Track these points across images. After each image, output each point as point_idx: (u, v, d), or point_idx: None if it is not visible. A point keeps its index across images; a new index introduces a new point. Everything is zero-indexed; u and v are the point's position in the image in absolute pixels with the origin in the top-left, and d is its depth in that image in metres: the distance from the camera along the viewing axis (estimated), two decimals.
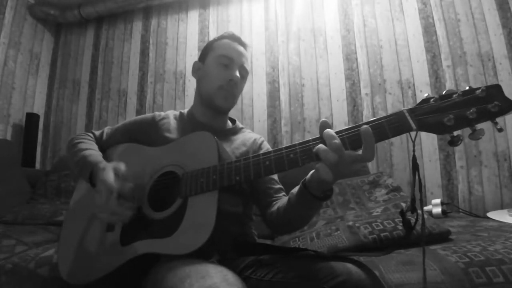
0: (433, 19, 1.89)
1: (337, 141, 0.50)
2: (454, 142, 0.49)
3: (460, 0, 1.86)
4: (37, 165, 2.42)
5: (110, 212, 0.64)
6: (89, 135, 0.90)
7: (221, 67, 0.87)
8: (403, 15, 1.95)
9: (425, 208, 1.48)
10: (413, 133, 0.50)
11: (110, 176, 0.67)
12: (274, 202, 0.80)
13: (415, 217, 0.51)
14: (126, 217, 0.65)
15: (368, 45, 1.98)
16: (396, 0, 1.98)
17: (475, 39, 1.80)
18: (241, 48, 0.91)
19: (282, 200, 0.78)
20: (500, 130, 0.47)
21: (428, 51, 1.87)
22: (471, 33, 1.81)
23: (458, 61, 1.80)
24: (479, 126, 0.48)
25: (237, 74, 0.87)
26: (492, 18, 1.78)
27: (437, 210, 1.42)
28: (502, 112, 0.46)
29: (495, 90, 0.48)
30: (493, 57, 1.75)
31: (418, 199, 0.54)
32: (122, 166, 0.71)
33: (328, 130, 0.52)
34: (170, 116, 0.93)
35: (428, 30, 1.89)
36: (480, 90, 0.48)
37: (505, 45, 1.74)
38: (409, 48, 1.91)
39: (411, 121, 0.50)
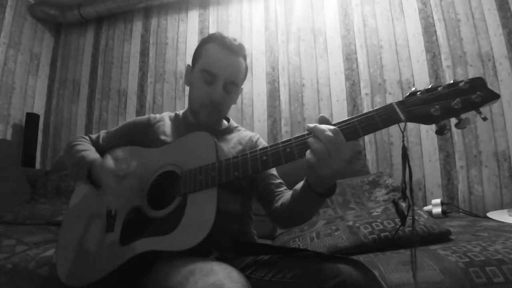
0: (433, 19, 1.89)
1: (329, 133, 0.51)
2: (441, 131, 0.52)
3: (460, 0, 1.86)
4: (37, 165, 2.42)
5: (123, 193, 0.65)
6: (85, 138, 0.90)
7: (204, 83, 0.81)
8: (403, 15, 1.95)
9: (425, 208, 1.48)
10: (402, 125, 0.53)
11: (111, 163, 0.68)
12: (278, 197, 0.80)
13: (407, 204, 0.53)
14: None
15: (368, 45, 1.98)
16: (396, 0, 1.98)
17: (475, 39, 1.80)
18: (229, 59, 0.81)
19: (285, 195, 0.77)
20: (484, 119, 0.49)
21: (428, 51, 1.86)
22: (471, 33, 1.81)
23: (458, 61, 1.80)
24: (464, 116, 0.51)
25: (220, 92, 0.80)
26: (492, 18, 1.78)
27: (437, 210, 1.42)
28: (484, 101, 0.49)
29: (477, 82, 0.50)
30: (493, 57, 1.75)
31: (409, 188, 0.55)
32: (119, 152, 0.71)
33: (318, 125, 0.53)
34: (165, 118, 0.92)
35: (428, 30, 1.89)
36: (463, 83, 0.51)
37: (505, 45, 1.74)
38: (409, 48, 1.91)
39: (400, 113, 0.52)
